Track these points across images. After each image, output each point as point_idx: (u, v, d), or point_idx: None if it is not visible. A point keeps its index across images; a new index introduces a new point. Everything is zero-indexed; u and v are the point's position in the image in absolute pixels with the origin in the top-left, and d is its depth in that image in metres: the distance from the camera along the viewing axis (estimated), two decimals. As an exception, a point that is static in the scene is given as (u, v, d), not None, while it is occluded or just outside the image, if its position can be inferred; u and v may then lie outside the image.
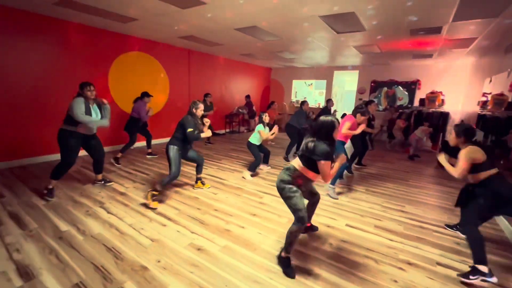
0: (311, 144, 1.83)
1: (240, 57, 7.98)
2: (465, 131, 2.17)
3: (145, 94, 4.61)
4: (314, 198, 2.28)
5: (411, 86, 7.89)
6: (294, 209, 1.89)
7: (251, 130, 9.22)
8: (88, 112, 2.90)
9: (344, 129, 3.37)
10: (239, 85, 9.09)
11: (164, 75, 6.30)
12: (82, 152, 3.24)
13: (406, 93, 7.99)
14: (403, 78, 7.98)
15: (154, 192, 2.92)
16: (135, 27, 4.71)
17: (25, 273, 1.80)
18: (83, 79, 4.73)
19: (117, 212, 2.75)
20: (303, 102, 5.28)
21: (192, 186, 3.58)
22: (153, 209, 2.84)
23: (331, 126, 1.87)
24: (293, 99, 10.61)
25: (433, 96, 6.95)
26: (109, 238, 2.27)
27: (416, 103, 7.73)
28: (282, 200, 2.83)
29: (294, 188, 1.91)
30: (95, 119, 2.97)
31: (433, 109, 6.77)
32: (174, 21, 4.20)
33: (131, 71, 5.57)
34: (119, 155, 4.49)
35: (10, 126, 4.01)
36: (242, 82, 9.22)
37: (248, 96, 8.51)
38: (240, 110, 8.62)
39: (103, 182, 3.50)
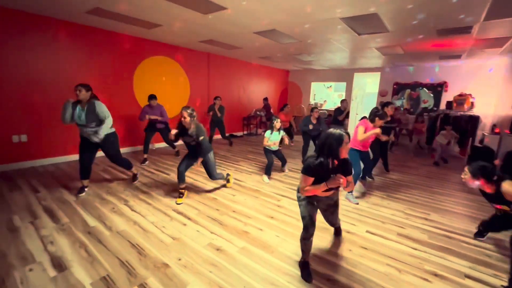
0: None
1: (258, 60, 8.04)
2: (482, 169, 1.95)
3: (149, 97, 4.58)
4: (332, 208, 2.14)
5: (437, 88, 7.53)
6: (301, 217, 1.95)
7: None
8: (72, 114, 2.92)
9: (360, 136, 3.17)
10: (257, 88, 9.15)
11: (184, 78, 6.50)
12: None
13: (432, 95, 7.64)
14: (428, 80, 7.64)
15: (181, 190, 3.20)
16: (159, 33, 4.91)
17: (58, 264, 1.94)
18: (110, 82, 5.03)
19: (140, 210, 2.87)
20: (313, 109, 5.00)
21: (215, 189, 3.65)
22: (177, 204, 3.08)
23: (337, 141, 1.67)
24: (312, 101, 10.50)
25: (461, 99, 6.58)
26: (133, 234, 2.37)
27: (442, 106, 7.37)
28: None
29: (302, 197, 1.95)
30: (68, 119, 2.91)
31: (461, 113, 6.41)
32: (195, 26, 4.33)
33: (155, 75, 5.80)
34: (145, 156, 4.71)
35: (45, 125, 4.32)
36: (260, 84, 9.28)
37: (265, 99, 8.53)
38: (257, 112, 8.67)
39: (135, 178, 3.73)
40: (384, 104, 3.92)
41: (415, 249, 2.33)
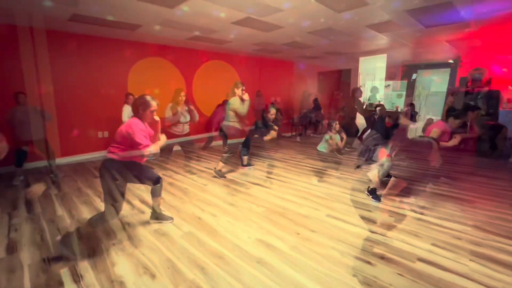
0: None
1: (308, 60, 7.91)
2: None
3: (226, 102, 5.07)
4: None
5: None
6: None
7: (317, 134, 9.00)
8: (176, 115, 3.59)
9: (433, 133, 2.88)
10: (307, 88, 9.02)
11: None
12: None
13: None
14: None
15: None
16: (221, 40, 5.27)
17: (133, 242, 2.25)
18: (171, 87, 5.59)
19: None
20: (380, 106, 4.95)
21: (260, 187, 3.75)
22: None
23: None
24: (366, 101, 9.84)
25: None
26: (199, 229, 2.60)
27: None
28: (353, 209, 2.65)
29: None
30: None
31: None
32: (256, 39, 4.57)
33: (211, 79, 6.25)
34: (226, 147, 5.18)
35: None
36: (310, 85, 9.12)
37: (316, 100, 8.34)
38: (307, 113, 8.52)
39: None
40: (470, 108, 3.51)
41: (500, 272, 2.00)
